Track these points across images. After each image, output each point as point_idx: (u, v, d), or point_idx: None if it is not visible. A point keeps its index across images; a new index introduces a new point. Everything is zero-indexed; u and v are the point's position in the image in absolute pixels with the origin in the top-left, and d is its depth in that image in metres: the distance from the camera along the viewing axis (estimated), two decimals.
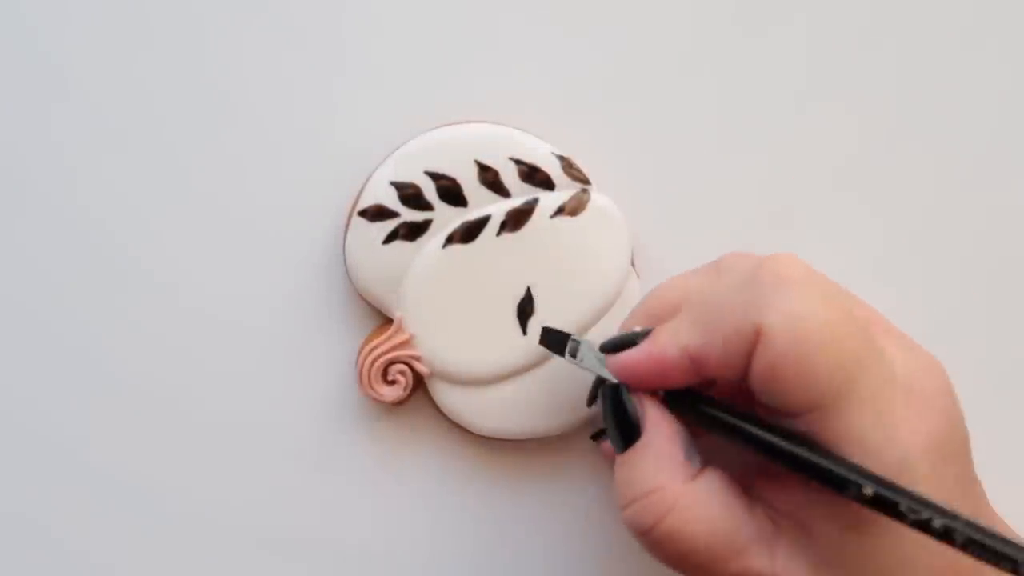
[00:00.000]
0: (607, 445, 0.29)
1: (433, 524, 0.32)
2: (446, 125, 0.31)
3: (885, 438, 0.22)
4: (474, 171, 0.30)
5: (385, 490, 0.32)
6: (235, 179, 0.32)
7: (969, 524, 0.21)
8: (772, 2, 0.32)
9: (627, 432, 0.25)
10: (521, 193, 0.30)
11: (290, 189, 0.32)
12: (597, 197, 0.31)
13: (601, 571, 0.32)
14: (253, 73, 0.32)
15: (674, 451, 0.24)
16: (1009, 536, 0.21)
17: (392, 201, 0.30)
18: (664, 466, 0.24)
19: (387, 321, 0.31)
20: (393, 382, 0.31)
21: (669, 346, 0.24)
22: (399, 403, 0.31)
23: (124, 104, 0.32)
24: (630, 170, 0.32)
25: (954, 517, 0.21)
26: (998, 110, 0.32)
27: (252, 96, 0.32)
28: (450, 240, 0.30)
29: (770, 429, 0.23)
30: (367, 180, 0.31)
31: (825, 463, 0.22)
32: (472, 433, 0.31)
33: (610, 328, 0.30)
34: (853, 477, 0.22)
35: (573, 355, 0.27)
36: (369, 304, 0.31)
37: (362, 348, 0.31)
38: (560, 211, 0.30)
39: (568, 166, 0.31)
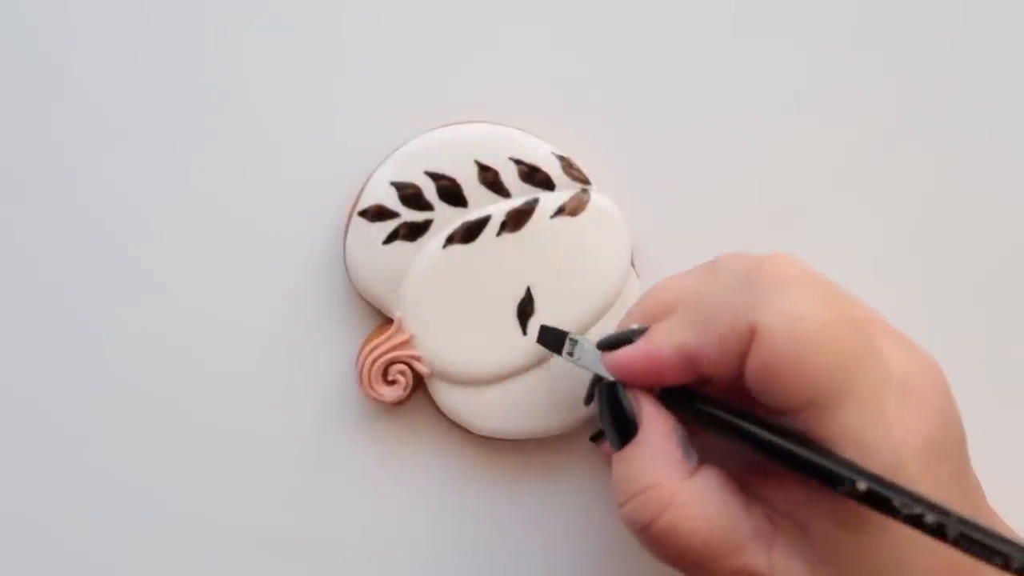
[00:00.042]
0: (607, 446, 0.29)
1: (433, 524, 0.32)
2: (446, 125, 0.31)
3: (880, 437, 0.22)
4: (474, 171, 0.30)
5: (385, 490, 0.32)
6: (235, 179, 0.32)
7: (962, 520, 0.21)
8: (772, 2, 0.32)
9: (623, 429, 0.25)
10: (521, 193, 0.31)
11: (290, 189, 0.32)
12: (597, 197, 0.31)
13: (600, 571, 0.32)
14: (253, 73, 0.32)
15: (671, 448, 0.24)
16: (1006, 534, 0.21)
17: (392, 201, 0.30)
18: (661, 463, 0.24)
19: (387, 321, 0.31)
20: (393, 382, 0.31)
21: (664, 344, 0.24)
22: (399, 403, 0.31)
23: (124, 104, 0.32)
24: (630, 170, 0.32)
25: (946, 513, 0.21)
26: (997, 110, 0.32)
27: (252, 96, 0.32)
28: (450, 240, 0.30)
29: (765, 426, 0.23)
30: (367, 180, 0.31)
31: (819, 459, 0.22)
32: (472, 433, 0.31)
33: (610, 328, 0.30)
34: (847, 473, 0.22)
35: (570, 353, 0.27)
36: (369, 304, 0.31)
37: (362, 348, 0.31)
38: (560, 211, 0.30)
39: (568, 166, 0.31)
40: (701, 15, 0.32)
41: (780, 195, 0.32)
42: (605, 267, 0.31)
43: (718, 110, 0.32)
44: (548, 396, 0.31)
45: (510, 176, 0.30)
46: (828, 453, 0.22)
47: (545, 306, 0.30)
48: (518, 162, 0.30)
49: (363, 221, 0.30)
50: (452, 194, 0.30)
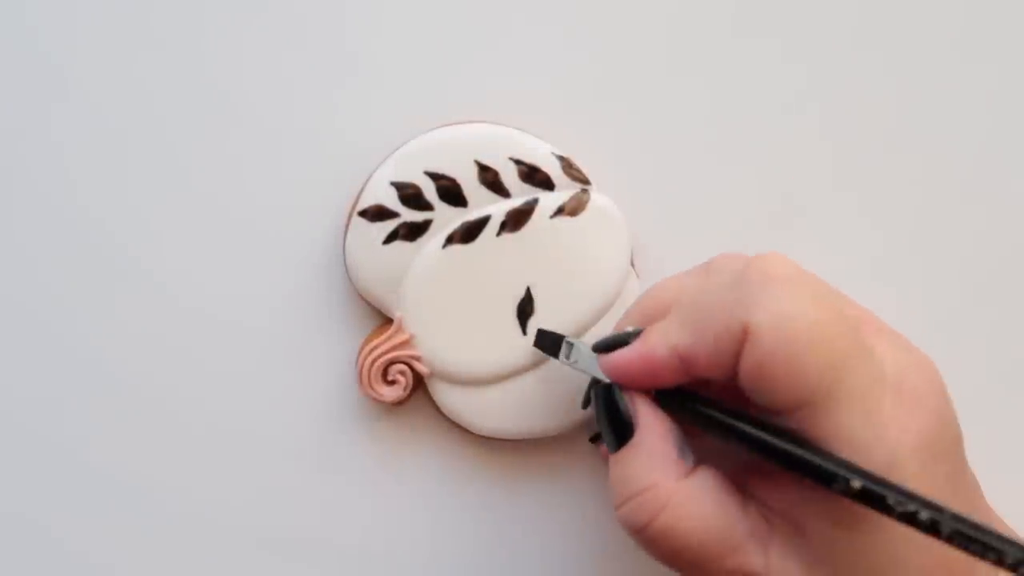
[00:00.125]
0: (605, 447, 0.29)
1: (433, 524, 0.32)
2: (446, 125, 0.31)
3: (874, 436, 0.22)
4: (474, 171, 0.30)
5: (385, 490, 0.32)
6: (235, 179, 0.32)
7: (956, 517, 0.21)
8: (772, 2, 0.32)
9: (620, 431, 0.25)
10: (521, 193, 0.31)
11: (290, 189, 0.32)
12: (597, 197, 0.31)
13: (599, 571, 0.32)
14: (253, 73, 0.32)
15: (667, 449, 0.25)
16: (1003, 532, 0.21)
17: (392, 201, 0.30)
18: (657, 464, 0.24)
19: (387, 321, 0.31)
20: (393, 382, 0.31)
21: (659, 346, 0.24)
22: (399, 403, 0.31)
23: (124, 104, 0.32)
24: (630, 170, 0.32)
25: (940, 510, 0.21)
26: (997, 111, 0.32)
27: (252, 96, 0.32)
28: (450, 240, 0.30)
29: (760, 426, 0.23)
30: (367, 180, 0.31)
31: (813, 458, 0.22)
32: (472, 433, 0.31)
33: (610, 328, 0.30)
34: (841, 471, 0.22)
35: (567, 356, 0.27)
36: (369, 304, 0.31)
37: (362, 348, 0.31)
38: (560, 211, 0.30)
39: (568, 166, 0.31)
40: (701, 15, 0.32)
41: (780, 195, 0.32)
42: (605, 267, 0.31)
43: (718, 110, 0.32)
44: (548, 396, 0.31)
45: (510, 176, 0.30)
46: (823, 452, 0.22)
47: (545, 306, 0.30)
48: (518, 162, 0.30)
49: (363, 221, 0.30)
50: (452, 194, 0.30)
